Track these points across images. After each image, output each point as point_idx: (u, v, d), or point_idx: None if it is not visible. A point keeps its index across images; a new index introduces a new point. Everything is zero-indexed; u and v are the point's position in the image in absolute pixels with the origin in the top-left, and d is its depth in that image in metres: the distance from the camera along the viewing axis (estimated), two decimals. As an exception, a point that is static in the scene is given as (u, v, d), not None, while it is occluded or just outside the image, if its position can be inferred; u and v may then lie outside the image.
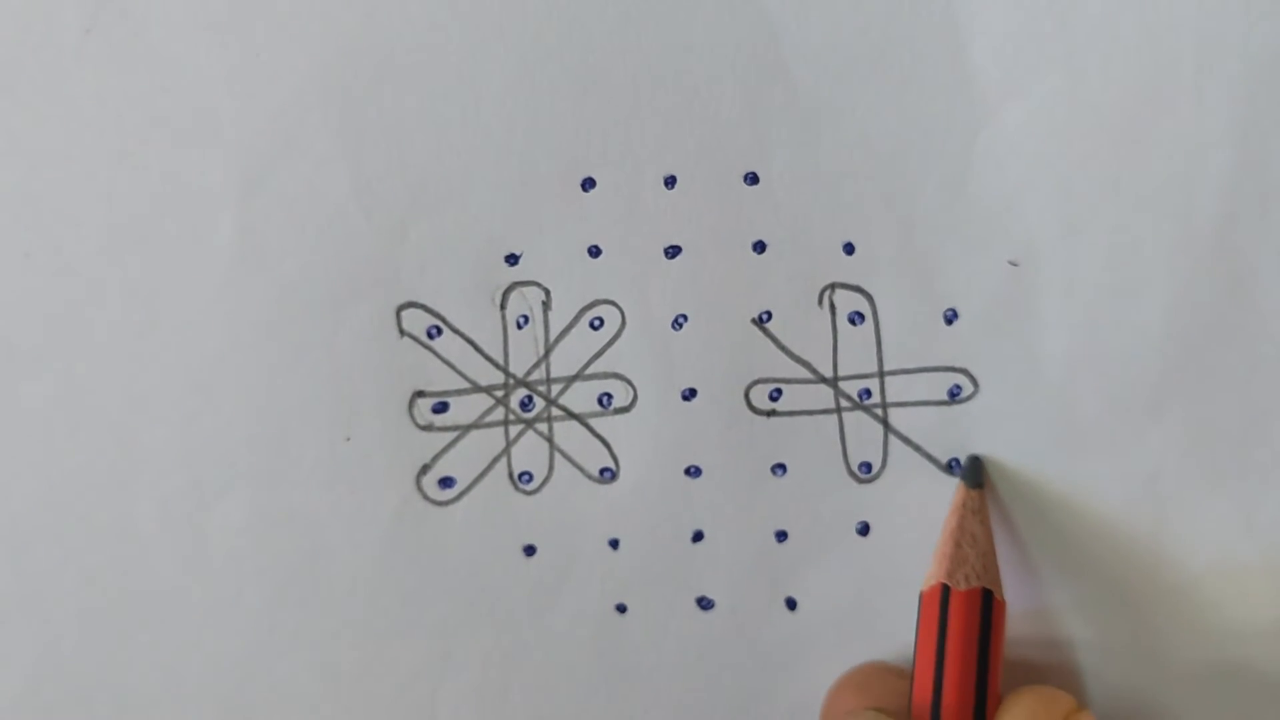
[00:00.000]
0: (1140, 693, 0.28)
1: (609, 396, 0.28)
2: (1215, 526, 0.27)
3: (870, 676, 0.27)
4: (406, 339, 0.28)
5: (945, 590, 0.26)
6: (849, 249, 0.27)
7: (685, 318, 0.28)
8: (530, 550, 0.28)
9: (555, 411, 0.28)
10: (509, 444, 0.28)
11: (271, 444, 0.28)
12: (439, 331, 0.28)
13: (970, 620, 0.25)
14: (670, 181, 0.27)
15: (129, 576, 0.28)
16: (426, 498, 0.28)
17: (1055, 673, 0.28)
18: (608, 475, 0.28)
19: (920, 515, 0.28)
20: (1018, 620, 0.28)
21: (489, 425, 0.28)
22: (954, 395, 0.27)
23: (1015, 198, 0.26)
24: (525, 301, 0.28)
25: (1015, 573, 0.28)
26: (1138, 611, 0.27)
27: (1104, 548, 0.27)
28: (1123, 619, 0.28)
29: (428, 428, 0.28)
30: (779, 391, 0.28)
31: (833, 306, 0.27)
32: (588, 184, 0.27)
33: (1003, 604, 0.26)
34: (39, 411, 0.28)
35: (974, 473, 0.27)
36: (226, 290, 0.27)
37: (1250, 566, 0.27)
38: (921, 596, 0.26)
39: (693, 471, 0.28)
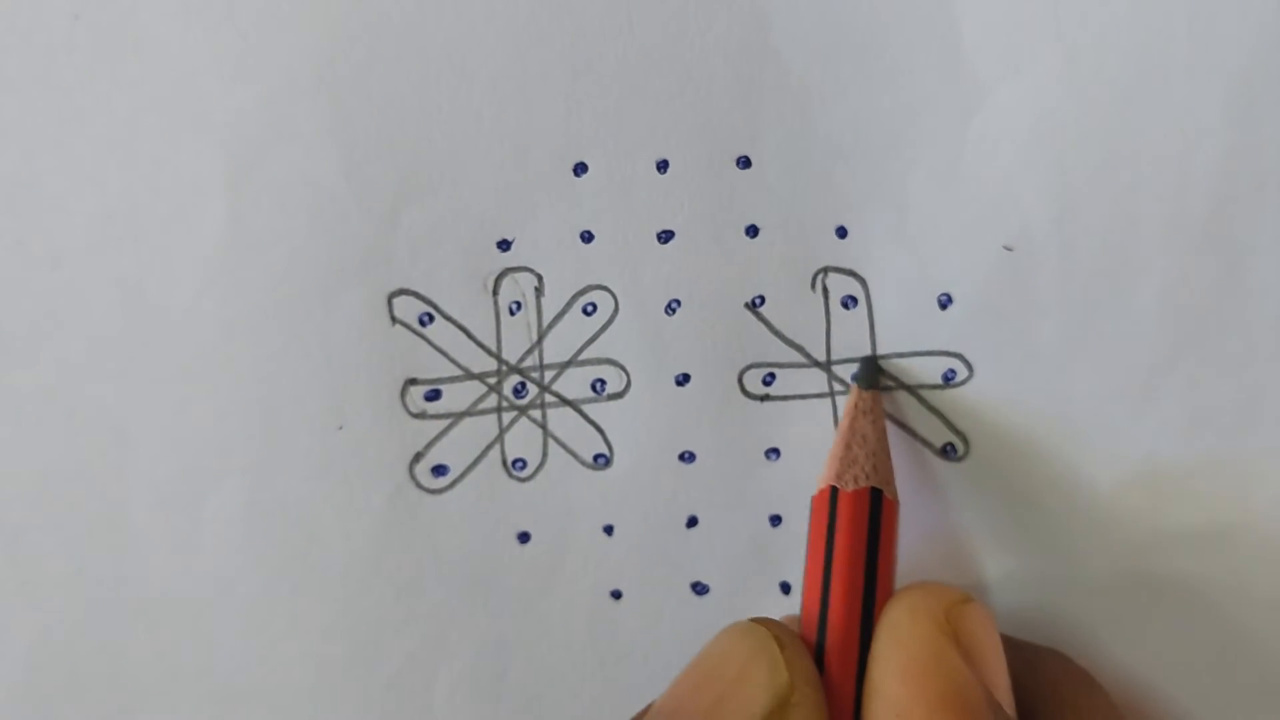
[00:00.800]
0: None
1: (602, 382, 0.28)
2: (1210, 508, 0.27)
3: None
4: (398, 326, 0.28)
5: (834, 493, 0.25)
6: (842, 232, 0.27)
7: (678, 303, 0.27)
8: (524, 537, 0.28)
9: (548, 398, 0.28)
10: (502, 431, 0.28)
11: (264, 433, 0.28)
12: (431, 318, 0.28)
13: (858, 521, 0.25)
14: (662, 166, 0.27)
15: (122, 566, 0.28)
16: (420, 486, 0.28)
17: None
18: (602, 461, 0.28)
19: (915, 499, 0.28)
20: (1003, 615, 0.28)
21: (482, 412, 0.28)
22: (948, 379, 0.27)
23: (1009, 181, 0.26)
24: (518, 287, 0.28)
25: (1010, 556, 0.28)
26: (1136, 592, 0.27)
27: (1098, 530, 0.27)
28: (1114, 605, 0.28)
29: (420, 415, 0.28)
30: (772, 376, 0.28)
31: (826, 290, 0.27)
32: (579, 169, 0.27)
33: (894, 503, 0.25)
34: (31, 400, 0.28)
35: (868, 373, 0.27)
36: (217, 278, 0.27)
37: (1246, 551, 0.27)
38: (811, 502, 0.26)
39: (686, 457, 0.28)
